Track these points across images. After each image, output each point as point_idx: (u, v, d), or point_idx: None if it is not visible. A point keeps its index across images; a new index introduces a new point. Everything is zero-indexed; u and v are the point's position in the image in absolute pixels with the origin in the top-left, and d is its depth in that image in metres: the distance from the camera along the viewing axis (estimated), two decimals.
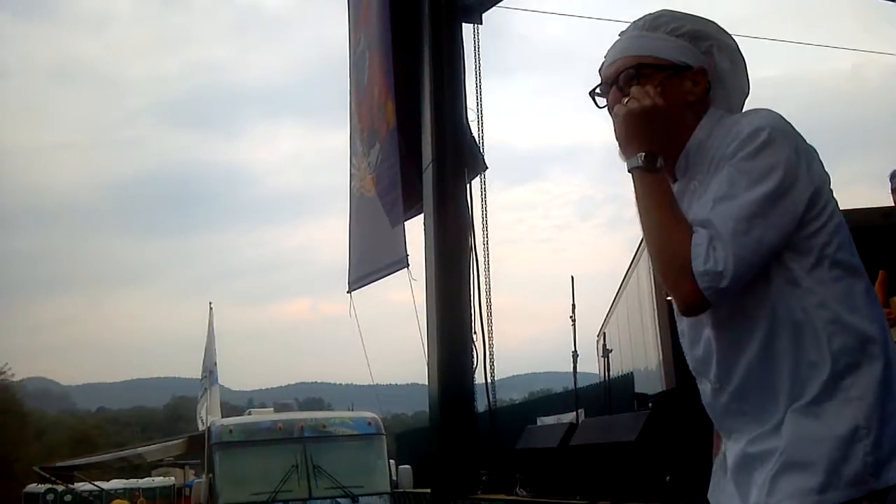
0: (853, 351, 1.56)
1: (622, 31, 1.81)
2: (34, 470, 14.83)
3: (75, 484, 15.56)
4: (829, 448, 1.53)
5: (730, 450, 1.69)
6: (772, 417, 1.59)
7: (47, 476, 14.35)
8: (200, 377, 13.93)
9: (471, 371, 6.40)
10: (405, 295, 7.15)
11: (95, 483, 18.07)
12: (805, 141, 1.63)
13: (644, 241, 1.70)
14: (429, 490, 6.29)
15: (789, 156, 1.56)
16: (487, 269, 6.87)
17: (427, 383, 6.58)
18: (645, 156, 1.64)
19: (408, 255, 7.58)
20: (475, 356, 6.50)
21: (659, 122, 1.67)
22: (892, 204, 5.66)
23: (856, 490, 1.50)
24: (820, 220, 1.59)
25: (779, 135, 1.58)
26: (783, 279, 1.59)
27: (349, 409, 14.09)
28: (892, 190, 5.61)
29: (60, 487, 16.77)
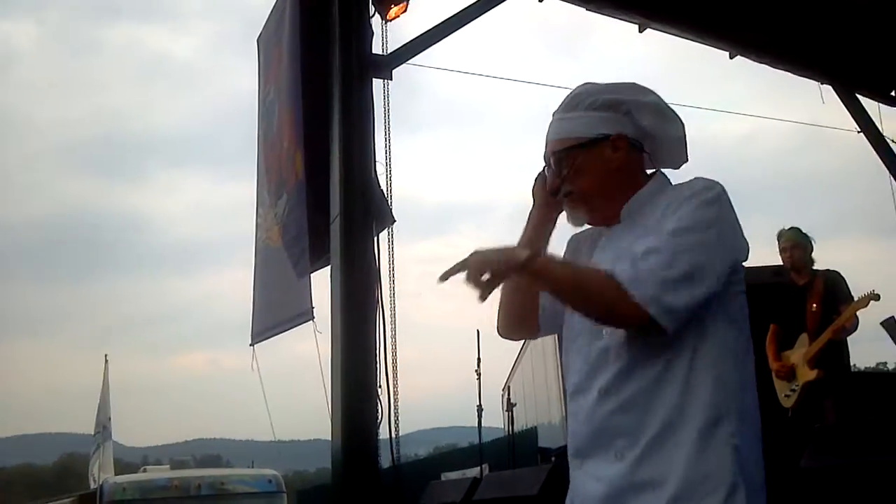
0: (738, 411, 1.68)
1: (554, 112, 1.96)
2: None
3: None
4: (719, 488, 1.61)
5: (588, 478, 1.74)
6: (650, 439, 1.66)
7: None
8: (94, 433, 13.35)
9: (375, 425, 6.31)
10: (309, 348, 7.05)
11: None
12: None
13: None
14: None
15: (733, 214, 1.75)
16: (394, 323, 6.84)
17: (330, 438, 6.46)
18: (528, 256, 1.75)
19: (313, 308, 7.49)
20: (380, 410, 6.43)
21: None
22: (781, 263, 5.94)
23: None
24: (738, 283, 1.76)
25: (724, 195, 1.76)
26: (702, 321, 1.70)
27: (250, 466, 13.72)
28: (780, 249, 5.88)
29: None
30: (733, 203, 1.79)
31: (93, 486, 13.62)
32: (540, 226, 2.01)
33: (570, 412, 1.85)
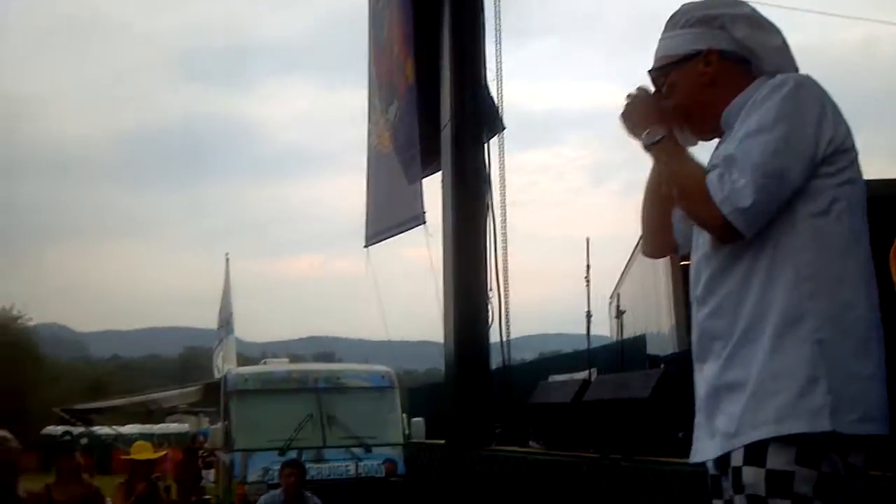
0: (827, 306, 1.69)
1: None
2: (55, 411, 15.14)
3: (93, 427, 15.90)
4: (791, 384, 1.65)
5: (701, 380, 1.83)
6: (736, 340, 1.73)
7: (67, 417, 14.66)
8: (217, 327, 14.14)
9: (486, 327, 6.54)
10: (421, 252, 7.27)
11: (112, 427, 18.44)
12: (831, 98, 1.78)
13: (675, 197, 1.87)
14: (443, 441, 6.46)
15: (811, 104, 1.73)
16: (504, 228, 6.96)
17: (442, 340, 6.72)
18: (647, 133, 1.89)
19: (425, 212, 7.69)
20: (490, 314, 6.62)
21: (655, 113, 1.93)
22: None
23: (809, 425, 1.62)
24: (837, 174, 1.74)
25: (803, 85, 1.76)
26: (785, 219, 1.73)
27: (361, 364, 14.32)
28: None
29: (77, 430, 17.11)
30: (830, 96, 1.77)
31: (217, 376, 14.53)
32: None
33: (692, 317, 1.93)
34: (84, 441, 19.67)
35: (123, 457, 7.72)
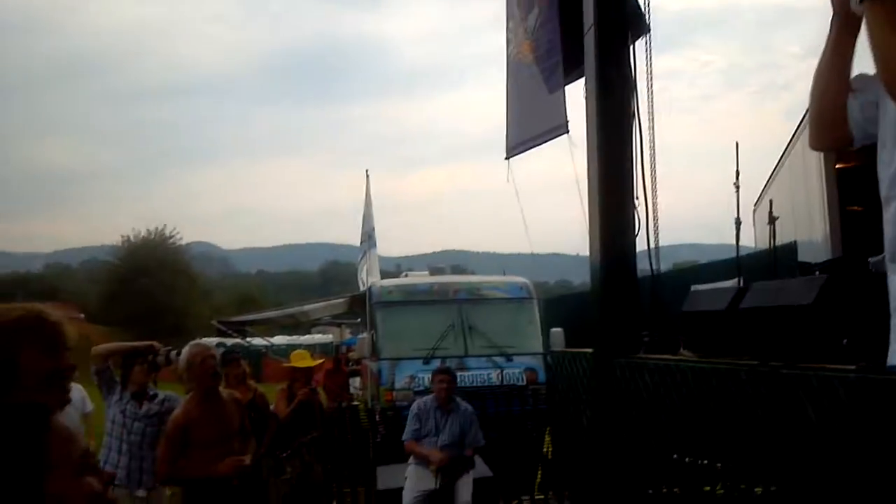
0: None
1: None
2: (212, 323, 16.12)
3: (247, 338, 16.86)
4: None
5: None
6: None
7: (224, 329, 15.59)
8: (360, 242, 14.57)
9: (633, 236, 6.44)
10: (563, 163, 7.18)
11: (264, 338, 19.51)
12: None
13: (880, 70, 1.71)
14: (590, 350, 6.49)
15: None
16: (652, 134, 6.75)
17: (574, 252, 6.66)
18: None
19: (568, 122, 7.55)
20: (636, 223, 6.51)
21: None
22: None
23: None
24: None
25: None
26: None
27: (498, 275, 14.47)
28: None
29: (230, 341, 18.18)
30: None
31: (361, 288, 15.04)
32: (840, 44, 1.89)
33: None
34: (238, 352, 20.91)
35: (284, 364, 8.18)
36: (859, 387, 3.45)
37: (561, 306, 15.29)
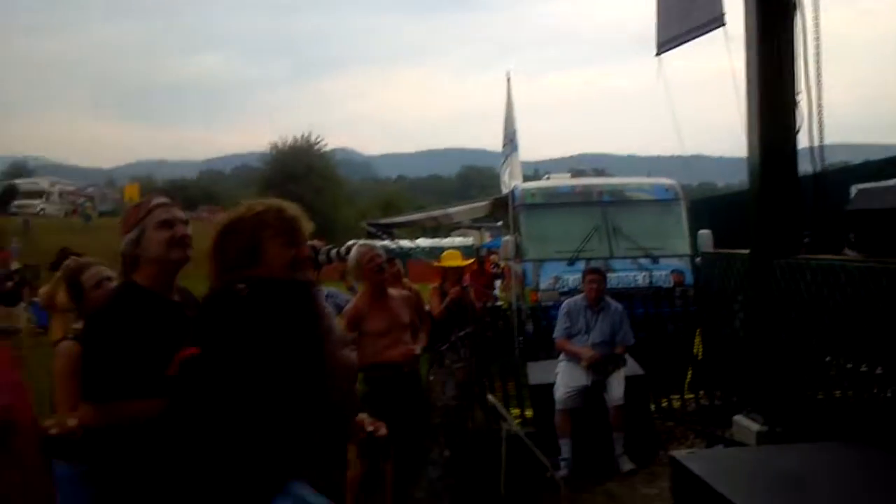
0: None
1: None
2: (362, 225, 16.67)
3: (393, 240, 17.36)
4: None
5: None
6: None
7: (373, 231, 16.10)
8: (502, 145, 14.52)
9: (794, 132, 6.17)
10: (717, 58, 6.88)
11: (410, 240, 20.03)
12: None
13: None
14: (746, 251, 6.34)
15: None
16: (817, 26, 6.36)
17: (717, 154, 6.45)
18: None
19: (724, 13, 7.20)
20: (798, 120, 6.22)
21: None
22: None
23: None
24: None
25: None
26: None
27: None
28: None
29: (378, 243, 18.73)
30: None
31: (504, 191, 15.08)
32: None
33: None
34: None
35: (435, 264, 8.41)
36: None
37: (706, 208, 14.88)
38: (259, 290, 1.26)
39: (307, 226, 2.37)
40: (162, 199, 2.86)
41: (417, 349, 4.90)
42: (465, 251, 28.88)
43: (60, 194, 61.88)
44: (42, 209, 53.40)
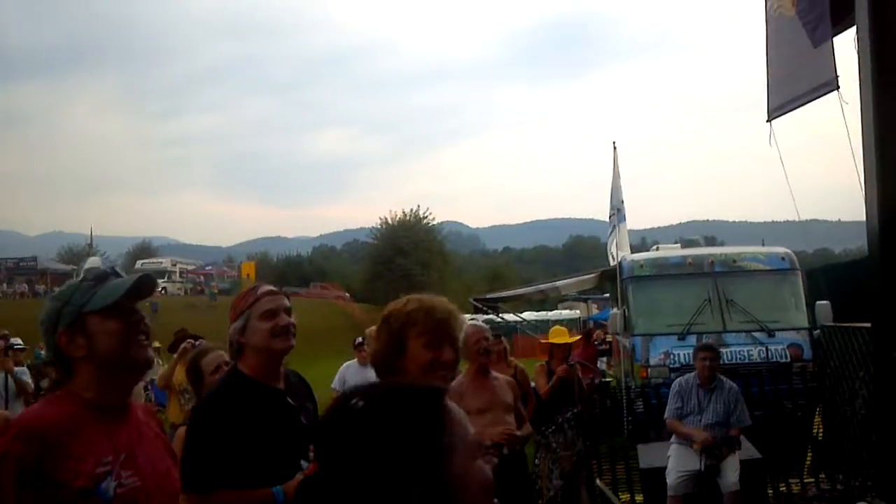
0: None
1: None
2: (470, 301, 16.65)
3: (500, 315, 17.24)
4: None
5: None
6: None
7: (479, 306, 16.05)
8: (608, 216, 14.39)
9: None
10: (833, 121, 6.63)
11: (516, 314, 19.88)
12: None
13: None
14: (867, 325, 5.97)
15: None
16: None
17: (834, 218, 6.13)
18: None
19: (838, 77, 6.96)
20: None
21: None
22: None
23: None
24: None
25: None
26: None
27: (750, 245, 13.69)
28: None
29: (483, 317, 18.61)
30: None
31: (611, 263, 14.86)
32: None
33: None
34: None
35: (543, 341, 8.28)
36: None
37: (824, 277, 14.21)
38: (375, 402, 1.20)
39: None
40: (268, 288, 2.93)
41: (518, 431, 4.76)
42: (571, 324, 28.57)
43: (181, 273, 64.63)
44: (164, 288, 55.74)
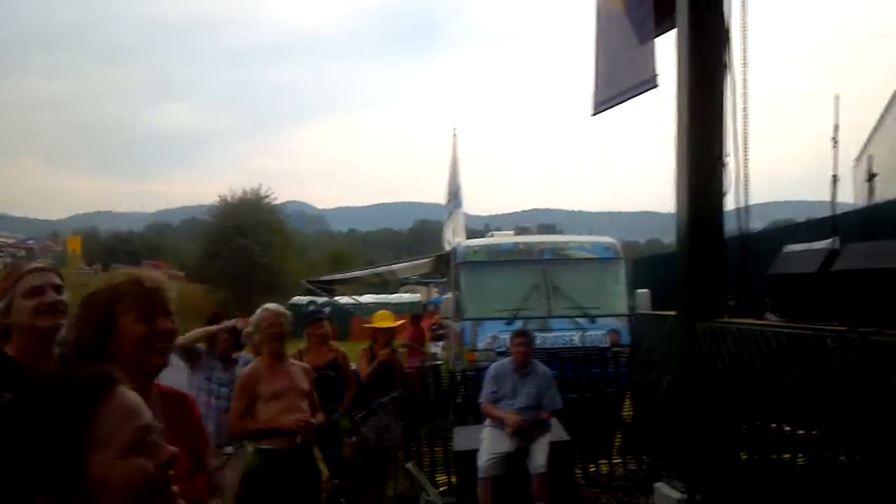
0: None
1: None
2: (302, 283, 16.40)
3: (335, 297, 17.10)
4: None
5: None
6: None
7: (313, 288, 15.85)
8: (445, 201, 14.52)
9: (721, 195, 6.17)
10: (652, 118, 6.92)
11: (352, 297, 19.74)
12: None
13: None
14: (674, 312, 6.28)
15: None
16: (745, 88, 6.42)
17: (667, 210, 6.43)
18: None
19: (657, 75, 7.26)
20: (726, 181, 6.24)
21: None
22: None
23: None
24: None
25: None
26: None
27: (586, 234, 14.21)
28: None
29: (321, 299, 18.38)
30: None
31: (446, 248, 15.03)
32: None
33: None
34: (328, 310, 21.30)
35: (365, 325, 8.21)
36: None
37: (650, 267, 14.95)
38: (21, 397, 1.09)
39: (172, 297, 2.18)
40: (35, 265, 2.77)
41: (312, 419, 4.68)
42: (412, 307, 28.72)
43: (0, 247, 60.50)
44: None
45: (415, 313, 16.95)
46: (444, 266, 14.70)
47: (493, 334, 10.80)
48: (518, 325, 10.09)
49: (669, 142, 6.64)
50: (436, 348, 16.46)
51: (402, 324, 9.82)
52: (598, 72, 8.77)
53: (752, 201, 6.19)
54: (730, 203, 6.23)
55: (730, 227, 6.37)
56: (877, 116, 11.46)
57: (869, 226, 8.36)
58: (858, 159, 12.87)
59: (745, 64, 6.02)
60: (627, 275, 12.07)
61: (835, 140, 7.10)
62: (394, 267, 16.88)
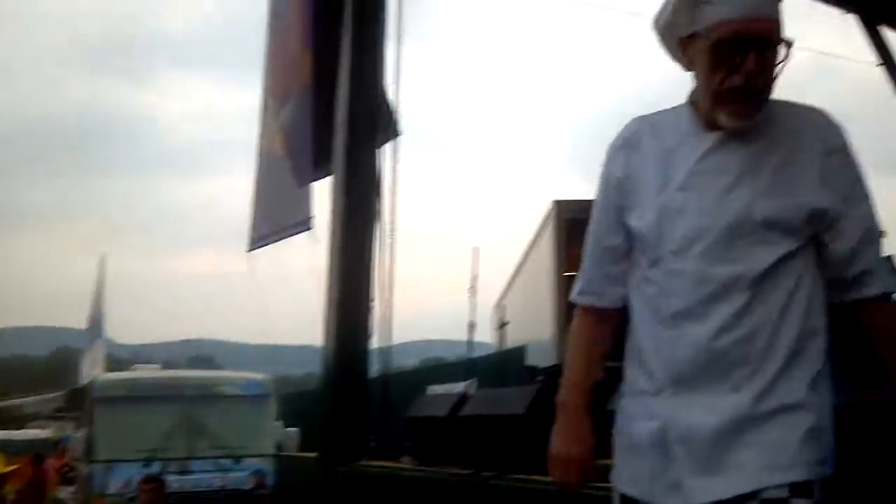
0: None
1: None
2: None
3: None
4: (830, 422, 1.63)
5: (714, 404, 1.61)
6: (777, 369, 1.59)
7: None
8: (86, 329, 13.43)
9: (367, 336, 6.32)
10: (309, 256, 7.01)
11: None
12: None
13: None
14: (314, 454, 6.20)
15: None
16: (392, 235, 6.78)
17: (323, 345, 6.46)
18: None
19: (312, 217, 7.42)
20: (372, 322, 6.42)
21: None
22: None
23: (826, 470, 1.60)
24: None
25: None
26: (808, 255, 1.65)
27: (240, 369, 13.84)
28: None
29: None
30: None
31: (83, 381, 13.78)
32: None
33: (668, 337, 1.65)
34: None
35: None
36: (560, 501, 3.44)
37: (305, 402, 14.81)
38: None
39: None
40: None
41: None
42: (41, 445, 25.66)
43: None
44: None
45: (37, 453, 15.08)
46: (81, 401, 13.43)
47: (128, 478, 9.91)
48: (156, 467, 9.39)
49: (323, 280, 6.75)
50: (65, 493, 14.71)
51: (14, 469, 8.68)
52: (256, 210, 8.82)
53: (408, 339, 6.42)
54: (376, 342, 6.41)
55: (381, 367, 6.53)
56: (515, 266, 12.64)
57: (502, 368, 9.05)
58: (498, 306, 14.06)
59: (393, 212, 6.36)
60: (280, 411, 11.86)
61: (472, 289, 7.71)
62: (18, 401, 15.11)
